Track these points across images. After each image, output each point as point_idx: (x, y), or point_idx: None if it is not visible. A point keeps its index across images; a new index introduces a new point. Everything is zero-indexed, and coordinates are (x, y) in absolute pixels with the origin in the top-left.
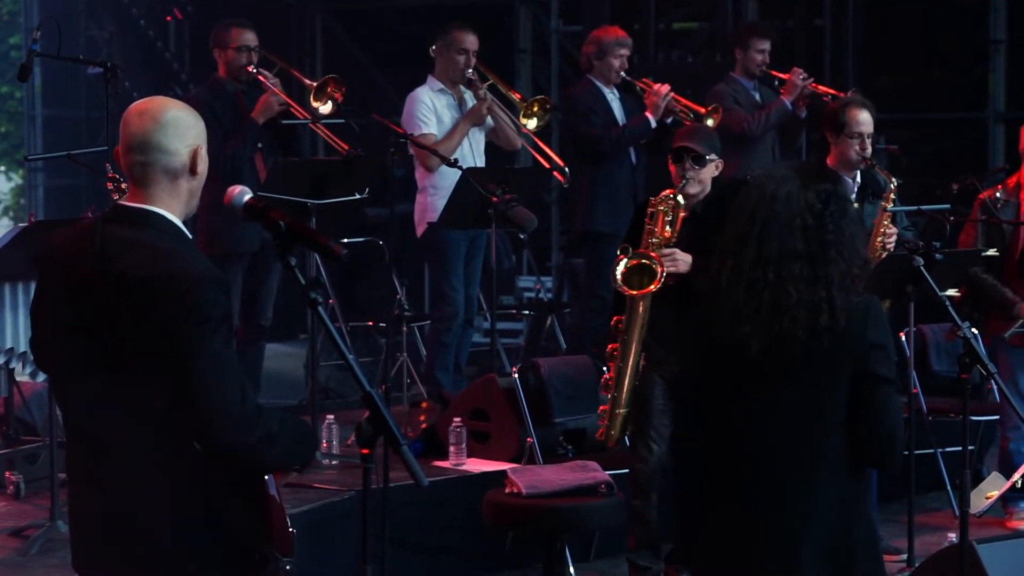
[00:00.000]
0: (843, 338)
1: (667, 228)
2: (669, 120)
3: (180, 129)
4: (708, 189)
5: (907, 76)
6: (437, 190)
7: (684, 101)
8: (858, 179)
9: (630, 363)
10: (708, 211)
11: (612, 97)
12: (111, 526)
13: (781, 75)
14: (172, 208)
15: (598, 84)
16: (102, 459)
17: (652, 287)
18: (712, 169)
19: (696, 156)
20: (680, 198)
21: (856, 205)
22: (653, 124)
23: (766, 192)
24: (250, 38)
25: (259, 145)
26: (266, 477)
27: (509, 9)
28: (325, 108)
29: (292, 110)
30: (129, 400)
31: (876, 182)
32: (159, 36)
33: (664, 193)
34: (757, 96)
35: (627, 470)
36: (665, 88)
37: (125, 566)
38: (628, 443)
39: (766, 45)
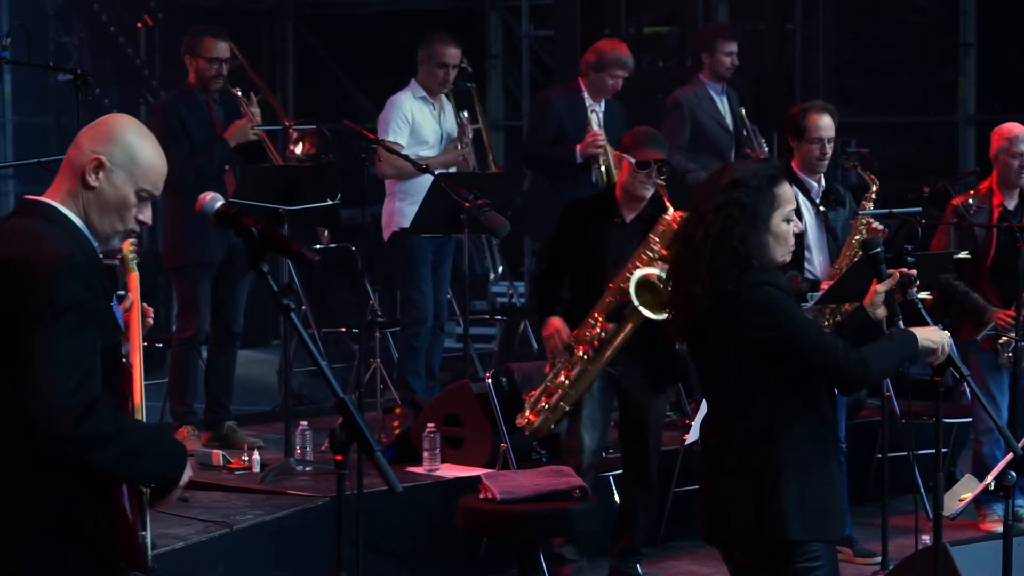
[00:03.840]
0: (717, 320)
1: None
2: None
3: (102, 136)
4: None
5: (877, 79)
6: (406, 195)
7: (616, 154)
8: (822, 183)
9: (597, 369)
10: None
11: (593, 108)
12: None
13: None
14: (69, 207)
15: (584, 93)
16: None
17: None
18: None
19: (661, 167)
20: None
21: (823, 208)
22: (578, 159)
23: (708, 181)
24: (223, 48)
25: (226, 167)
26: (123, 489)
27: (480, 14)
28: (298, 149)
29: (266, 144)
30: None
31: (838, 192)
32: (129, 42)
33: (676, 214)
34: (723, 101)
35: (609, 473)
36: (600, 136)
37: None
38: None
39: (733, 47)
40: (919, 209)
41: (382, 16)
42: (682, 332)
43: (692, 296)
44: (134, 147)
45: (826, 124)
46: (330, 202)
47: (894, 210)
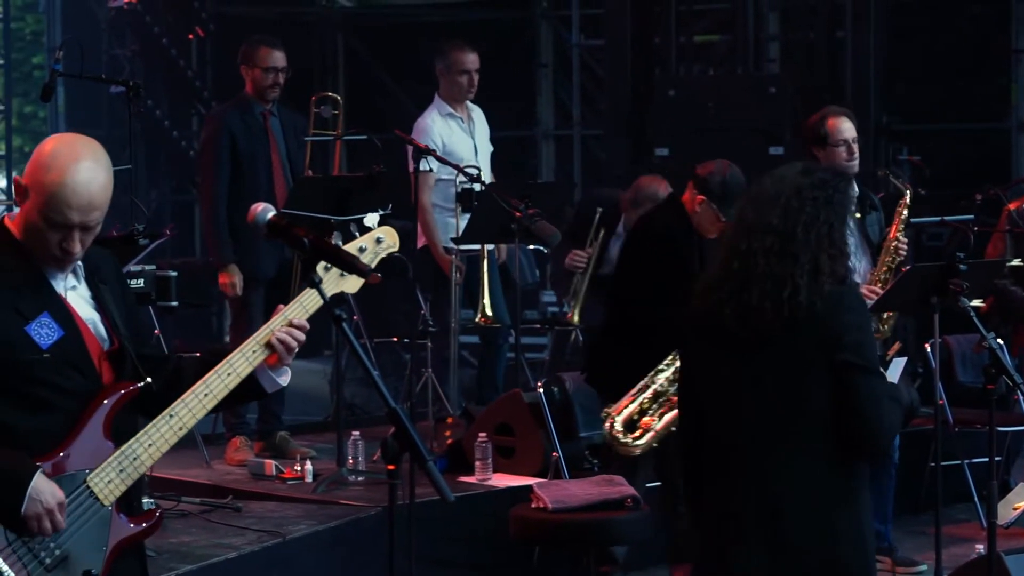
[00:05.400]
0: (813, 322)
1: None
2: None
3: (32, 158)
4: None
5: (929, 86)
6: (439, 208)
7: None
8: (855, 189)
9: None
10: None
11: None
12: None
13: None
14: (20, 224)
15: None
16: None
17: None
18: None
19: None
20: None
21: (858, 214)
22: None
23: (767, 173)
24: (278, 58)
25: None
26: None
27: (530, 24)
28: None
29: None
30: None
31: (869, 197)
32: (181, 54)
33: None
34: None
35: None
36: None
37: None
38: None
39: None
40: (971, 216)
41: (432, 26)
42: (758, 340)
43: (788, 289)
44: (41, 170)
45: (847, 127)
46: (381, 212)
47: (946, 217)
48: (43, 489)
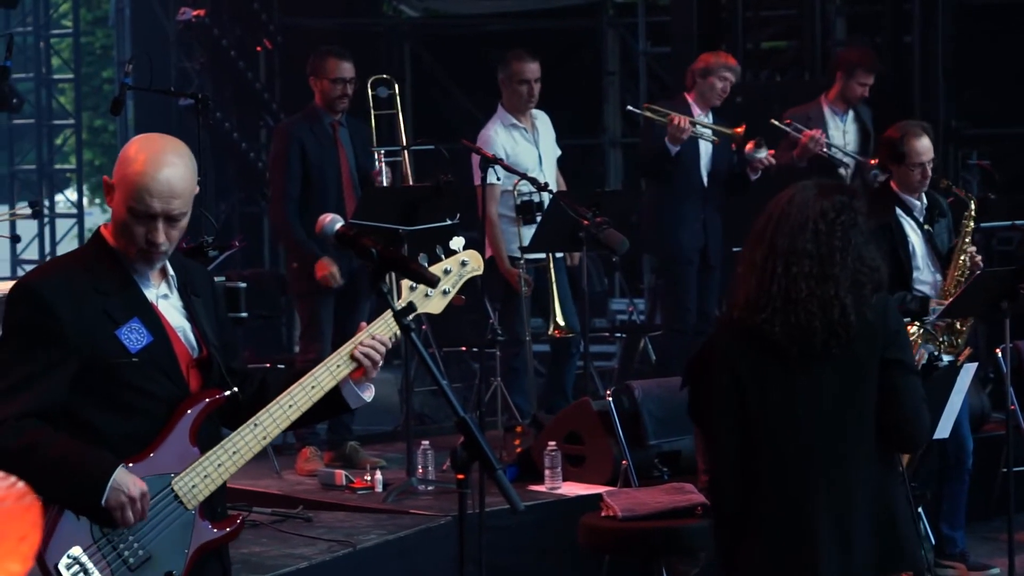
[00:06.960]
0: (867, 330)
1: None
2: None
3: (118, 159)
4: None
5: (997, 90)
6: (499, 218)
7: (706, 125)
8: (924, 200)
9: None
10: None
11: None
12: None
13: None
14: (111, 227)
15: (689, 104)
16: None
17: None
18: None
19: None
20: None
21: (927, 226)
22: (672, 151)
23: (783, 198)
24: (347, 69)
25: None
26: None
27: (597, 32)
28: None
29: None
30: None
31: (940, 204)
32: (249, 67)
33: None
34: (843, 121)
35: None
36: (683, 121)
37: None
38: None
39: (870, 80)
40: None
41: (499, 35)
42: (813, 354)
43: (837, 310)
44: (124, 163)
45: (925, 147)
46: (449, 222)
47: (1017, 221)
48: (124, 480)
